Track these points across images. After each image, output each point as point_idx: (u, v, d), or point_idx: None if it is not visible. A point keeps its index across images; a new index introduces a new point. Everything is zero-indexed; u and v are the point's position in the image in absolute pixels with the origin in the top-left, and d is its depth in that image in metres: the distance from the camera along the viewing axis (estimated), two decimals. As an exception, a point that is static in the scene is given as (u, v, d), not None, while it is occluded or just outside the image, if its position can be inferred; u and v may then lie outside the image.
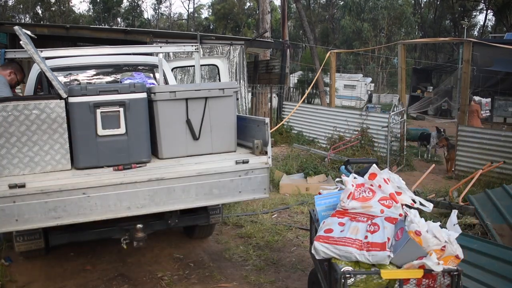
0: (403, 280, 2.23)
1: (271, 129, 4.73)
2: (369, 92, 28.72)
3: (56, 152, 3.02)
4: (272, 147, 3.64)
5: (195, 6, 62.78)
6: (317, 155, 9.06)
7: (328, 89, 13.96)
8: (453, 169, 7.91)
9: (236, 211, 5.62)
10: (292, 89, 18.24)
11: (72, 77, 4.49)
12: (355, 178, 2.74)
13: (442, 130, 9.08)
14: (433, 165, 6.92)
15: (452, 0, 38.21)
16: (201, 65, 4.42)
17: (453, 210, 2.54)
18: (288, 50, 12.91)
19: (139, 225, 3.47)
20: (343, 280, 2.20)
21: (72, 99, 3.04)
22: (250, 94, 11.86)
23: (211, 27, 50.75)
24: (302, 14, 18.38)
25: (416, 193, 5.27)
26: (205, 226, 4.35)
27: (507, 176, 6.71)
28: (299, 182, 6.86)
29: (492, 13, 39.58)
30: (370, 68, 35.68)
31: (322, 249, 2.39)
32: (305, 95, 13.40)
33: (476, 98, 12.05)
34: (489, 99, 15.96)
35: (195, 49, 4.17)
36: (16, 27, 3.13)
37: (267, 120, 3.41)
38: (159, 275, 3.91)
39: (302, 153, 9.48)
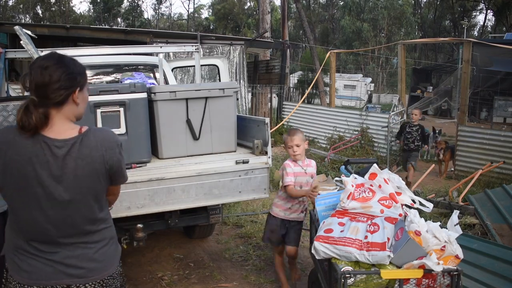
0: (403, 280, 2.24)
1: (271, 129, 4.74)
2: (369, 92, 28.72)
3: (56, 152, 3.02)
4: (272, 147, 3.65)
5: (195, 6, 62.89)
6: (317, 155, 9.06)
7: (328, 89, 13.96)
8: (451, 170, 7.90)
9: (236, 211, 5.62)
10: (292, 89, 18.24)
11: (72, 77, 4.49)
12: (355, 178, 2.75)
13: (437, 131, 9.05)
14: (433, 165, 6.92)
15: (452, 0, 38.20)
16: (201, 65, 4.42)
17: (455, 211, 2.55)
18: (288, 50, 12.92)
19: (139, 225, 3.47)
20: (343, 280, 2.20)
21: (72, 99, 3.04)
22: (250, 94, 11.87)
23: (211, 27, 50.75)
24: (302, 14, 18.38)
25: (416, 193, 5.28)
26: (205, 226, 4.35)
27: (507, 176, 6.71)
28: (299, 182, 6.85)
29: (492, 13, 39.60)
30: (370, 68, 35.67)
31: (322, 249, 2.39)
32: (305, 95, 13.40)
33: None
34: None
35: (195, 49, 4.17)
36: (16, 27, 3.13)
37: (267, 120, 3.42)
38: (159, 275, 3.91)
39: (302, 153, 9.47)
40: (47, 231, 1.64)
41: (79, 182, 1.63)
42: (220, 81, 5.33)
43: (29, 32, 3.29)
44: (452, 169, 7.92)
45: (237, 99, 3.71)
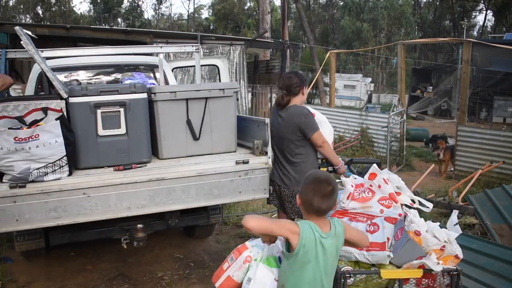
0: (402, 280, 2.24)
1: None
2: (369, 92, 28.71)
3: (56, 152, 3.02)
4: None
5: (195, 6, 62.92)
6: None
7: (328, 89, 13.97)
8: (451, 170, 7.90)
9: (236, 211, 5.63)
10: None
11: (73, 77, 4.50)
12: (355, 178, 2.75)
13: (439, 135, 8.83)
14: (433, 165, 6.93)
15: (452, 0, 38.20)
16: (201, 65, 4.42)
17: (454, 210, 2.55)
18: (288, 50, 12.92)
19: (139, 225, 3.47)
20: (343, 280, 2.20)
21: (72, 99, 3.05)
22: (250, 94, 11.86)
23: (211, 28, 50.71)
24: (302, 14, 18.39)
25: (415, 193, 5.28)
26: (205, 226, 4.36)
27: (507, 176, 6.72)
28: (299, 182, 6.85)
29: (491, 14, 39.60)
30: (369, 68, 35.66)
31: (322, 249, 2.39)
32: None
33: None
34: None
35: (195, 49, 4.17)
36: (16, 28, 3.13)
37: (267, 120, 3.42)
38: (159, 274, 3.92)
39: (302, 153, 9.47)
40: (277, 151, 3.40)
41: (285, 131, 3.30)
42: (220, 81, 5.34)
43: (29, 33, 3.30)
44: (452, 169, 7.92)
45: (237, 99, 3.72)
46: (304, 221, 2.01)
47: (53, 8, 47.52)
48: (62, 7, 47.49)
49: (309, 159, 3.30)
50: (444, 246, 2.25)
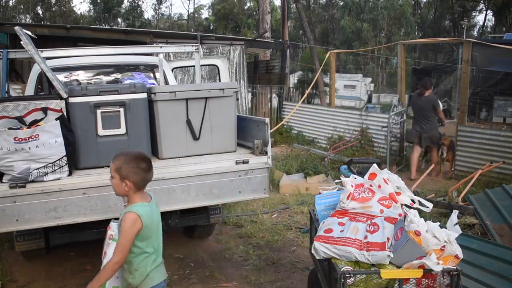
0: (402, 280, 2.24)
1: (271, 129, 4.76)
2: (368, 92, 28.69)
3: (56, 152, 3.02)
4: (272, 147, 3.65)
5: (195, 6, 62.90)
6: (317, 155, 9.06)
7: (327, 89, 13.96)
8: (451, 170, 7.90)
9: (236, 211, 5.63)
10: (292, 89, 18.24)
11: (73, 77, 4.50)
12: (355, 178, 2.75)
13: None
14: (433, 165, 6.93)
15: (452, 0, 38.18)
16: (201, 65, 4.43)
17: (454, 210, 2.55)
18: (288, 50, 12.92)
19: (139, 225, 3.46)
20: (343, 280, 2.20)
21: (72, 99, 3.06)
22: (250, 94, 11.87)
23: (211, 28, 50.72)
24: (302, 14, 18.38)
25: (415, 193, 5.28)
26: (205, 226, 4.36)
27: (507, 176, 6.71)
28: (299, 182, 6.86)
29: (491, 14, 39.59)
30: (369, 68, 35.64)
31: (322, 249, 2.39)
32: (305, 95, 13.39)
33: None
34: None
35: (195, 49, 4.18)
36: (16, 28, 3.14)
37: (267, 120, 3.42)
38: (159, 275, 3.91)
39: (302, 153, 9.49)
40: (417, 116, 7.60)
41: (425, 105, 7.40)
42: (220, 81, 5.34)
43: (29, 33, 3.30)
44: (452, 169, 7.91)
45: (237, 99, 3.72)
46: (135, 207, 2.18)
47: (53, 8, 47.53)
48: (62, 7, 47.50)
49: (435, 118, 7.34)
50: (444, 246, 2.24)
